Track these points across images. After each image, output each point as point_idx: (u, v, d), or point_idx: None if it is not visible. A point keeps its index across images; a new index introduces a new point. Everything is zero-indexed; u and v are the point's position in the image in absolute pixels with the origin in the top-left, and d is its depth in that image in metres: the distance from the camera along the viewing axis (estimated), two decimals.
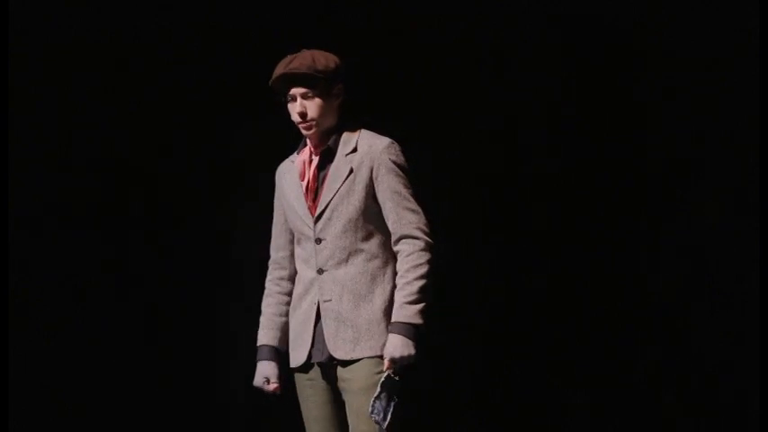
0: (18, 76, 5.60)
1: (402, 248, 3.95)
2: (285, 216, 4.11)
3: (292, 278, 4.12)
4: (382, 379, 3.88)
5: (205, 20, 5.73)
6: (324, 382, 4.02)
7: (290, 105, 4.01)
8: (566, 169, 5.73)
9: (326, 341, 3.96)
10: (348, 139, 4.02)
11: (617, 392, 5.68)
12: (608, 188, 5.67)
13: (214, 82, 5.73)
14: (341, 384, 3.98)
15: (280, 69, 3.98)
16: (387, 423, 3.85)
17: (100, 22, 5.72)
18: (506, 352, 5.77)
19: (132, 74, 5.77)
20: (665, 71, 5.59)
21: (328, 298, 3.97)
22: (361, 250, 3.97)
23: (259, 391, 4.13)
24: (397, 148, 4.01)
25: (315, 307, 3.99)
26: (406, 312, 3.89)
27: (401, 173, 3.97)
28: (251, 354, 4.17)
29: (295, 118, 4.01)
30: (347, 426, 3.98)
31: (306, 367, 4.03)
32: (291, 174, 4.10)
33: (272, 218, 4.18)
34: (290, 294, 4.12)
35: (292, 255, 4.12)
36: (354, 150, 4.00)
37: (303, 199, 4.04)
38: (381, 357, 3.91)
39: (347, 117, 4.05)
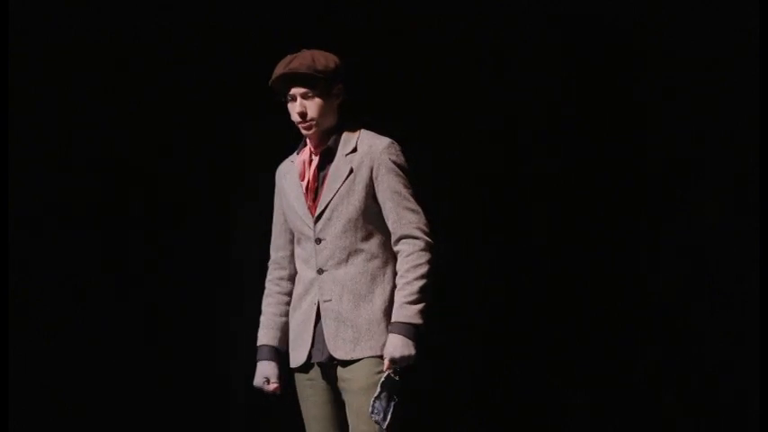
0: (18, 76, 5.60)
1: (402, 248, 3.95)
2: (285, 216, 4.11)
3: (292, 278, 4.12)
4: (382, 379, 3.87)
5: (205, 20, 5.72)
6: (324, 382, 4.02)
7: (289, 105, 4.01)
8: (566, 169, 5.73)
9: (326, 341, 3.96)
10: (348, 139, 4.02)
11: (617, 392, 5.68)
12: (608, 188, 5.67)
13: (214, 82, 5.73)
14: (341, 384, 3.97)
15: (280, 69, 3.97)
16: (387, 423, 3.84)
17: (100, 22, 5.72)
18: (506, 352, 5.77)
19: (132, 74, 5.77)
20: (665, 71, 5.58)
21: (328, 298, 3.97)
22: (361, 250, 3.97)
23: (259, 391, 4.13)
24: (397, 148, 4.01)
25: (315, 307, 3.99)
26: (406, 312, 3.89)
27: (401, 173, 3.97)
28: (251, 354, 4.17)
29: (295, 118, 4.01)
30: (347, 426, 3.98)
31: (306, 367, 4.03)
32: (291, 174, 4.10)
33: (272, 218, 4.18)
34: (290, 294, 4.11)
35: (292, 255, 4.12)
36: (354, 150, 3.99)
37: (303, 199, 4.04)
38: (381, 357, 3.90)
39: (347, 117, 4.05)
